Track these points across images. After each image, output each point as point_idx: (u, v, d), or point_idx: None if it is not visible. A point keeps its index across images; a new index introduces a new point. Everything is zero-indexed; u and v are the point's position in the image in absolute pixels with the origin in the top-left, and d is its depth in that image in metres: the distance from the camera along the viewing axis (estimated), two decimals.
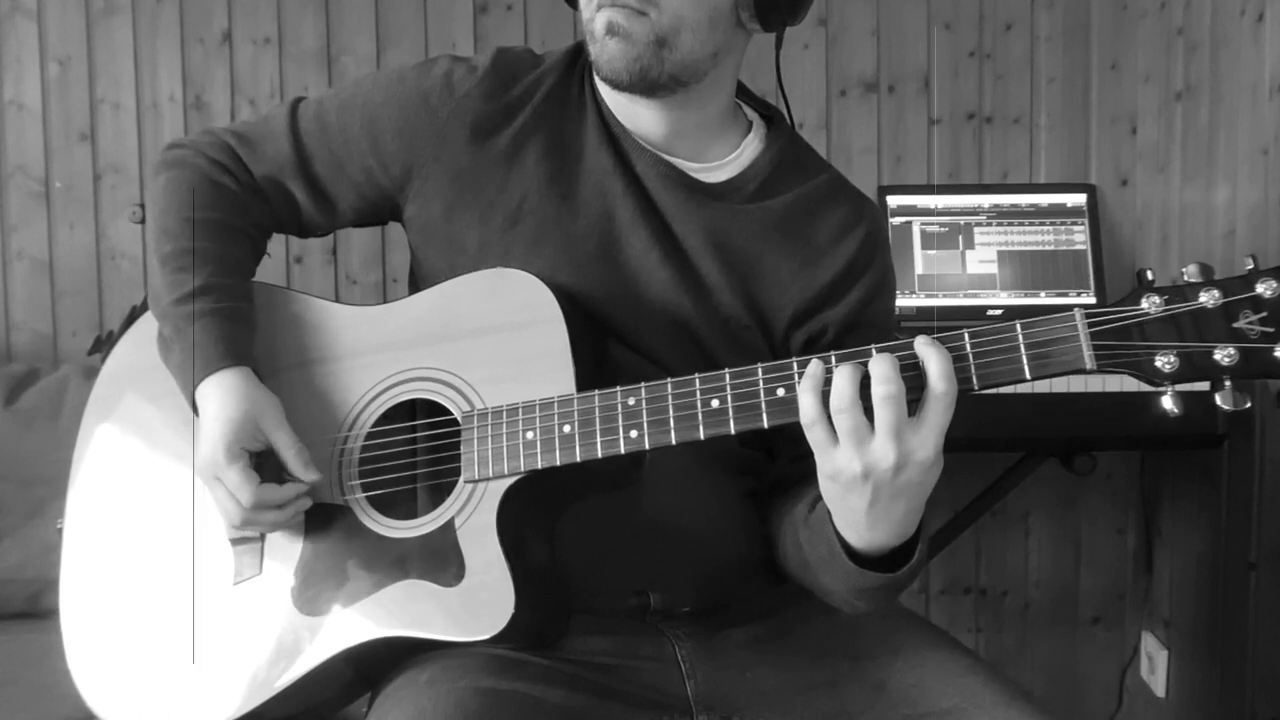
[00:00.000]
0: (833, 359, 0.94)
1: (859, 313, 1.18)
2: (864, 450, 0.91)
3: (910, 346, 0.92)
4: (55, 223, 2.39)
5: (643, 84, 1.11)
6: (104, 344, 2.13)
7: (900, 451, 0.90)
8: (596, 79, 1.17)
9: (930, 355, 0.91)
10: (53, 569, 1.20)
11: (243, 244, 1.19)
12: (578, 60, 1.21)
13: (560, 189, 1.15)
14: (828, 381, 0.92)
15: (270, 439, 1.09)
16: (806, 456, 0.94)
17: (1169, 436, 2.02)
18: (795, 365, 0.96)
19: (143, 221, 1.98)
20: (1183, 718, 2.31)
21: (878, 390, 0.90)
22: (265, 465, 1.10)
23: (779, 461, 1.20)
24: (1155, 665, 2.41)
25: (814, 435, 0.93)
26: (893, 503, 0.94)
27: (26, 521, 2.02)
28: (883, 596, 1.03)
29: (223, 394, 1.09)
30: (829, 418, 0.92)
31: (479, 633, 1.01)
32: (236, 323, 1.13)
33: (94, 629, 1.17)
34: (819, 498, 1.01)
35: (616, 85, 1.12)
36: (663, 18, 1.08)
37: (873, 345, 0.93)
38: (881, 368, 0.91)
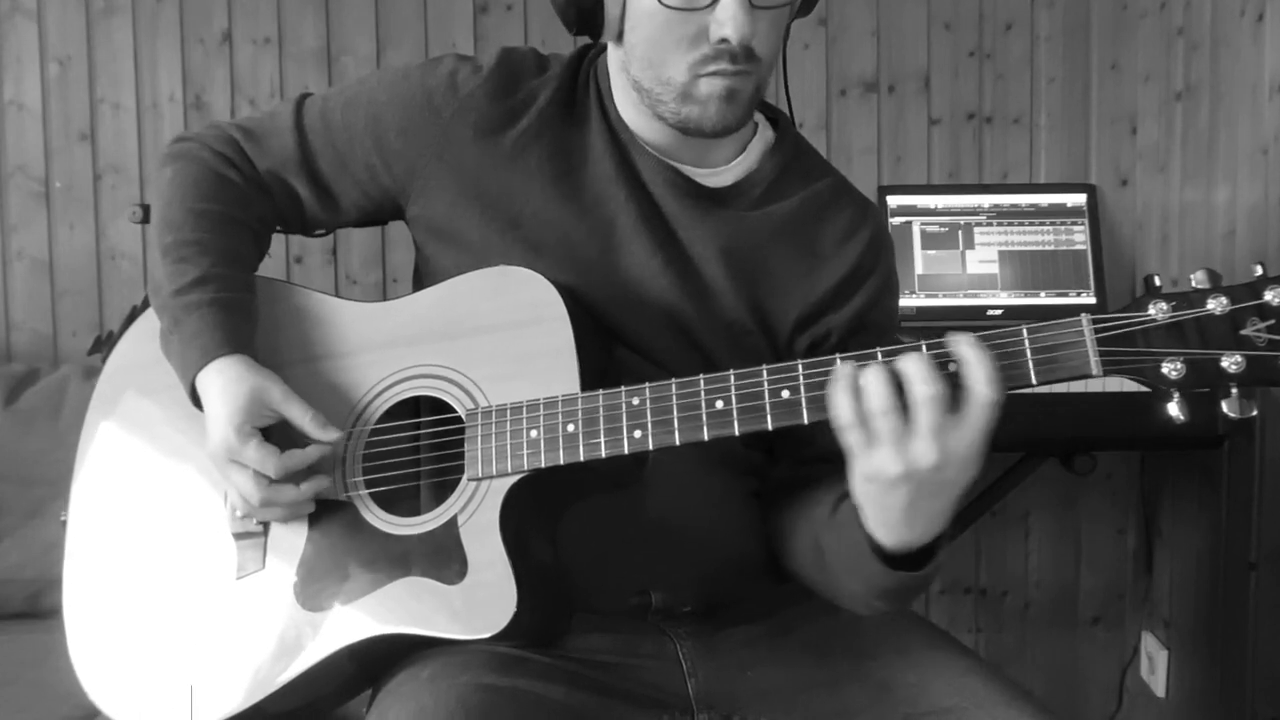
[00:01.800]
0: (844, 359, 0.92)
1: (863, 315, 1.18)
2: (904, 451, 0.89)
3: (943, 345, 0.90)
4: (55, 223, 2.39)
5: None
6: (104, 344, 2.12)
7: (942, 452, 0.88)
8: (612, 84, 1.18)
9: (975, 359, 0.89)
10: (53, 569, 1.20)
11: (245, 237, 1.19)
12: (583, 64, 1.21)
13: (563, 193, 1.15)
14: (860, 384, 0.90)
15: (280, 411, 1.09)
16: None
17: (1169, 437, 2.02)
18: (800, 367, 0.96)
19: (143, 221, 1.98)
20: (1183, 718, 2.31)
21: (918, 391, 0.88)
22: (277, 441, 1.09)
23: (783, 464, 1.20)
24: (1155, 665, 2.41)
25: (851, 438, 0.91)
26: (931, 501, 0.92)
27: (26, 521, 2.02)
28: (906, 597, 1.01)
29: (224, 380, 1.09)
30: (865, 420, 0.90)
31: (481, 630, 1.01)
32: (235, 313, 1.13)
33: (97, 622, 1.17)
34: (840, 499, 1.00)
35: (715, 135, 1.12)
36: (762, 67, 1.10)
37: (911, 343, 0.91)
38: (918, 367, 0.88)
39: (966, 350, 0.89)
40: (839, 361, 0.93)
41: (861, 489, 0.94)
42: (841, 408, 0.90)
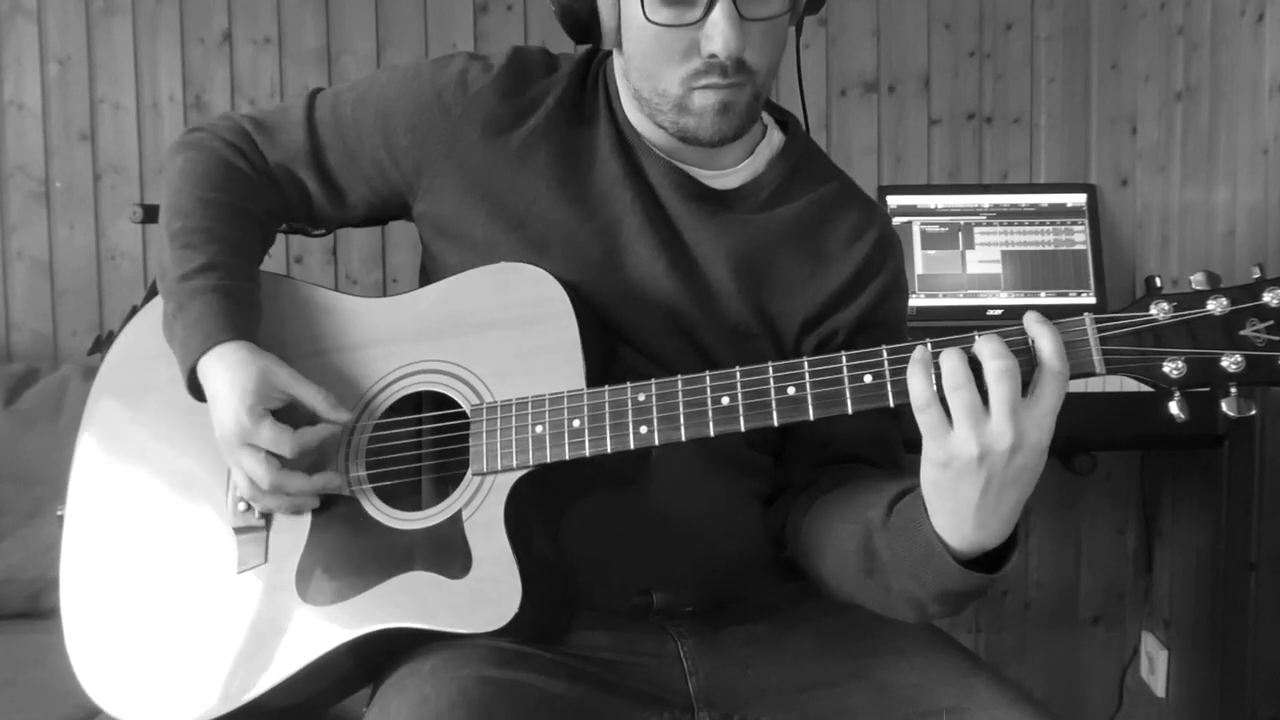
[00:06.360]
0: (928, 344, 0.92)
1: (869, 314, 1.18)
2: (981, 430, 0.88)
3: (1013, 328, 0.90)
4: (55, 223, 2.39)
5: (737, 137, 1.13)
6: (104, 344, 2.12)
7: (1017, 431, 0.87)
8: (619, 87, 1.18)
9: (1042, 333, 0.89)
10: (53, 569, 1.20)
11: (251, 228, 1.19)
12: (592, 64, 1.21)
13: (569, 194, 1.16)
14: (938, 363, 0.90)
15: (290, 392, 1.09)
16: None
17: (1169, 436, 2.02)
18: (806, 364, 0.96)
19: (143, 221, 1.98)
20: (1183, 718, 2.31)
21: (993, 365, 0.87)
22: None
23: (797, 466, 1.19)
24: (1155, 665, 2.41)
25: (927, 418, 0.90)
26: (1003, 493, 0.90)
27: (26, 521, 2.02)
28: (967, 601, 0.98)
29: (228, 364, 1.08)
30: (943, 399, 0.89)
31: (484, 625, 1.01)
32: (238, 301, 1.13)
33: (95, 618, 1.17)
34: (893, 501, 0.99)
35: (713, 145, 1.12)
36: (757, 78, 1.09)
37: (975, 332, 0.91)
38: (993, 345, 0.88)
39: (1035, 326, 0.89)
40: (929, 344, 0.92)
41: (934, 479, 0.92)
42: (917, 387, 0.90)
